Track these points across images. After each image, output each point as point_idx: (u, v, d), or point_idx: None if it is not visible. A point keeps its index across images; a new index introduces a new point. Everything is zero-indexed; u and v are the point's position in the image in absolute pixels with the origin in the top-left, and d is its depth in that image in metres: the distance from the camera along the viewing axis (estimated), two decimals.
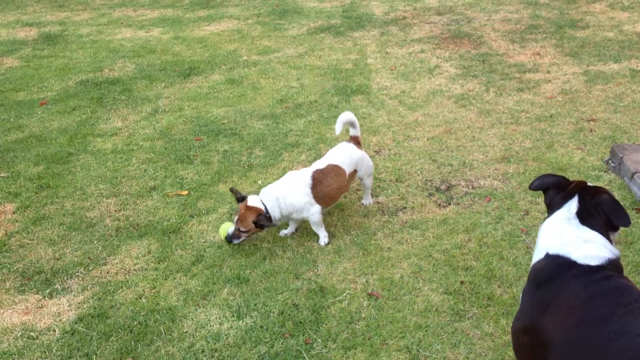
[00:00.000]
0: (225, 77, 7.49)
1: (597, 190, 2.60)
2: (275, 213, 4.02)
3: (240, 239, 4.05)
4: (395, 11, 10.19)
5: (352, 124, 4.42)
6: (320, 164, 4.20)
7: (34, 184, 5.13)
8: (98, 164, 5.43)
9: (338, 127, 4.33)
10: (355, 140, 4.40)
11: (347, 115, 4.38)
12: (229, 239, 4.04)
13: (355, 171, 4.31)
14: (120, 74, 7.85)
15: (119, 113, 6.59)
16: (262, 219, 3.95)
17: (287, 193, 4.04)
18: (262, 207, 3.99)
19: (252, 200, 4.01)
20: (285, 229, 4.34)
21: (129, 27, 10.45)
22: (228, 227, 4.08)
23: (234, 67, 7.88)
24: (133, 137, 5.95)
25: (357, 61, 7.77)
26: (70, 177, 5.23)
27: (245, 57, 8.25)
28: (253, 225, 3.97)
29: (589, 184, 2.69)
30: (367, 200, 4.57)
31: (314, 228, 4.17)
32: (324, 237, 4.17)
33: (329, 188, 4.11)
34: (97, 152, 5.68)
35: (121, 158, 5.52)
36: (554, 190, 2.73)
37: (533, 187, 2.82)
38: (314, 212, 4.07)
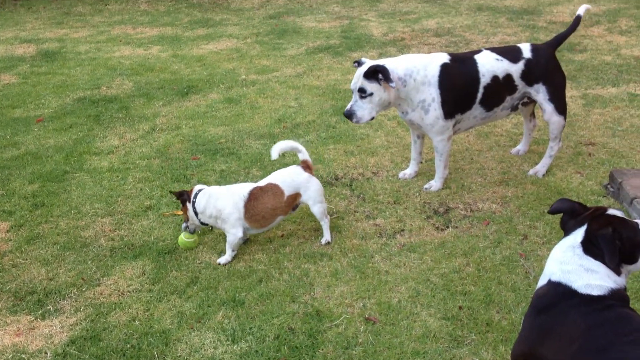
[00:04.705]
0: (224, 96, 7.48)
1: (608, 222, 2.53)
2: (199, 206, 4.17)
3: (185, 223, 4.30)
4: (393, 32, 10.23)
5: (296, 150, 4.41)
6: (261, 182, 4.30)
7: (28, 203, 5.09)
8: (94, 183, 5.39)
9: (274, 153, 4.30)
10: (305, 164, 4.38)
11: (285, 144, 4.36)
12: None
13: (298, 195, 4.28)
14: (118, 92, 7.84)
15: (116, 131, 6.57)
16: (183, 195, 4.22)
17: (220, 196, 4.18)
18: (194, 192, 4.23)
19: (196, 186, 4.31)
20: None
21: (127, 44, 10.46)
22: (185, 237, 4.35)
23: (232, 86, 7.88)
24: (129, 156, 5.92)
25: None
26: (65, 196, 5.19)
27: (243, 76, 8.25)
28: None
29: (609, 211, 2.62)
30: (325, 238, 4.35)
31: (227, 244, 4.21)
32: (227, 257, 4.21)
33: (263, 206, 4.17)
34: (93, 170, 5.65)
35: (117, 177, 5.49)
36: (567, 216, 2.70)
37: (550, 211, 2.80)
38: (235, 233, 4.16)
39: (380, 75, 4.42)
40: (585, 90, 7.05)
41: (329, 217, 4.43)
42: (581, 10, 5.16)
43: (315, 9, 12.80)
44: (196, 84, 8.01)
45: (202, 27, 11.54)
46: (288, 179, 4.28)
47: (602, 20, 10.17)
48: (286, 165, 4.56)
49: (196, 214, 4.19)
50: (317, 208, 4.31)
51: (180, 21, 12.27)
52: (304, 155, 4.41)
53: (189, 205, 4.20)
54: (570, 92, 6.91)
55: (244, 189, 4.24)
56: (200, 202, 4.16)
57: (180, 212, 4.74)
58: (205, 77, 8.31)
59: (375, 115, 4.61)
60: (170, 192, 4.18)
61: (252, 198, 4.17)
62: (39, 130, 6.68)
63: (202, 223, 4.25)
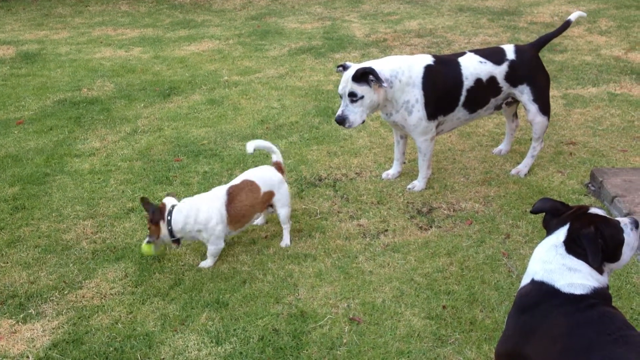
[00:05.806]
0: (206, 97, 7.45)
1: (590, 221, 2.55)
2: (177, 224, 4.00)
3: (152, 238, 4.03)
4: (376, 33, 10.25)
5: (270, 151, 4.44)
6: (236, 180, 4.26)
7: (9, 205, 5.03)
8: (75, 185, 5.34)
9: (249, 148, 4.31)
10: (278, 166, 4.40)
11: (261, 142, 4.39)
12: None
13: (272, 194, 4.27)
14: (99, 94, 7.77)
15: (97, 133, 6.51)
16: (156, 213, 3.98)
17: (201, 208, 4.03)
18: (168, 209, 4.02)
19: (166, 200, 4.10)
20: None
21: (108, 46, 10.38)
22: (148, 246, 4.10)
23: (214, 87, 7.85)
24: (111, 158, 5.87)
25: (338, 82, 7.75)
26: (46, 198, 5.13)
27: (226, 78, 8.22)
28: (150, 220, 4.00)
29: (591, 210, 2.64)
30: (284, 241, 4.36)
31: (209, 253, 4.13)
32: (210, 263, 4.14)
33: (242, 204, 4.12)
34: (74, 172, 5.59)
35: (99, 179, 5.44)
36: (549, 215, 2.72)
37: (532, 210, 2.82)
38: (219, 244, 4.10)
39: (371, 77, 4.41)
40: (565, 90, 7.11)
41: (290, 222, 4.43)
42: (573, 16, 5.18)
43: (298, 10, 12.80)
44: (178, 85, 7.96)
45: (184, 29, 11.48)
46: (264, 176, 4.27)
47: (582, 21, 10.26)
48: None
49: (171, 231, 4.01)
50: (285, 211, 4.32)
51: (161, 22, 12.20)
52: (278, 157, 4.42)
53: (163, 224, 4.01)
54: (551, 92, 6.93)
55: (220, 191, 4.17)
56: (177, 220, 3.98)
57: None
58: (187, 78, 8.27)
59: (365, 119, 4.60)
60: (142, 202, 3.98)
61: (231, 198, 4.12)
62: (19, 133, 6.61)
63: (174, 241, 4.09)
